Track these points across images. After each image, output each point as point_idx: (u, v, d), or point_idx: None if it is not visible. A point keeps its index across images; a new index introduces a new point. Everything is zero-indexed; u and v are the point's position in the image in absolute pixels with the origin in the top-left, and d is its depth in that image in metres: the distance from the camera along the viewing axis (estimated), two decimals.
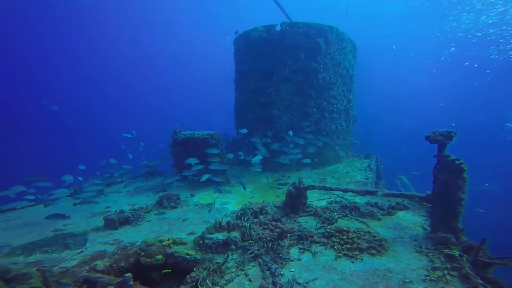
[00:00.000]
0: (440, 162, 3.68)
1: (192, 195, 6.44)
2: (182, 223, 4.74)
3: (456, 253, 3.12)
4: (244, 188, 6.02)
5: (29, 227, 4.83)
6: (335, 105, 9.42)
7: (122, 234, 4.30)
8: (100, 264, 2.81)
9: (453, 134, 3.58)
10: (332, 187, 4.55)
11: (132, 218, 4.76)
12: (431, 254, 3.28)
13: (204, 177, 6.10)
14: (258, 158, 6.99)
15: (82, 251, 3.61)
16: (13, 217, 5.49)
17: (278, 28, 8.79)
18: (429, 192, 3.93)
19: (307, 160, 7.69)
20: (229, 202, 5.86)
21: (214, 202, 5.51)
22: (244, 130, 8.07)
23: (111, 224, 4.49)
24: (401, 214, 4.74)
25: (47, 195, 6.14)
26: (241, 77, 9.79)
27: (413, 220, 4.41)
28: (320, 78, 8.86)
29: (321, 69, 8.85)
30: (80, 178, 7.60)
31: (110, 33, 40.79)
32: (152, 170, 8.97)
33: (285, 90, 8.67)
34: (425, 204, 4.59)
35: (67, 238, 4.10)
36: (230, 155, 7.66)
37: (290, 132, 7.87)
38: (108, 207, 5.91)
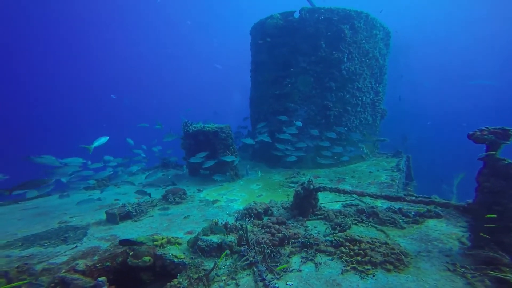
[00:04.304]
0: (487, 166, 2.95)
1: (199, 190, 6.24)
2: (182, 221, 4.53)
3: None
4: (247, 173, 5.85)
5: (41, 217, 4.97)
6: (360, 98, 8.60)
7: (121, 229, 4.19)
8: (81, 263, 2.66)
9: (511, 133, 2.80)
10: (346, 189, 4.00)
11: (134, 213, 4.66)
12: (469, 276, 2.62)
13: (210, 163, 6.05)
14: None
15: (76, 246, 3.54)
16: (32, 206, 5.74)
17: (297, 15, 8.17)
18: (470, 201, 3.20)
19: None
20: (236, 200, 5.54)
21: None
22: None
23: (112, 218, 4.42)
24: (431, 222, 4.03)
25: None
26: (256, 68, 9.35)
27: (446, 231, 3.68)
28: (343, 69, 8.12)
29: (345, 59, 8.10)
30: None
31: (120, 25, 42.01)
32: (166, 162, 8.99)
33: (303, 81, 8.07)
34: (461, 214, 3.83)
35: (69, 231, 4.09)
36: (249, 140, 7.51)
37: (298, 123, 7.45)
38: (117, 199, 5.94)
